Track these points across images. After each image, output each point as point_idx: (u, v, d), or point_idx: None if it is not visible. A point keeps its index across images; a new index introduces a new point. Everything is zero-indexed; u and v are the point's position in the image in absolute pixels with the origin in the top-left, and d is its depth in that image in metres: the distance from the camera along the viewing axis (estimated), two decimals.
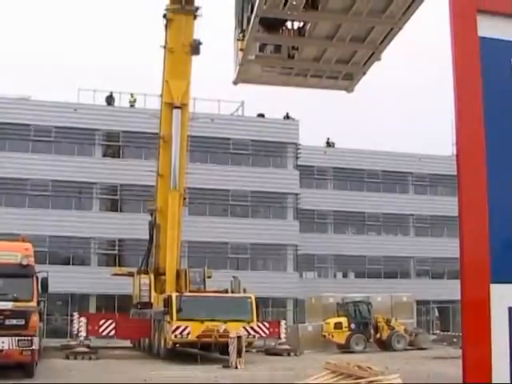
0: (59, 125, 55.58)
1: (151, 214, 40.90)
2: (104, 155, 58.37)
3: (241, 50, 11.96)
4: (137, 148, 57.24)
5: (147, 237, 40.67)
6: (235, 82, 13.00)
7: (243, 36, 11.72)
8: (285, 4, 10.31)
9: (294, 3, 10.20)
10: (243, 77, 12.73)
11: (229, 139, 59.40)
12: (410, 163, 66.44)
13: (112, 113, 57.50)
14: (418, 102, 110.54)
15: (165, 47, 37.76)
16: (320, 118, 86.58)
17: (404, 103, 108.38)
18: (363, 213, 65.18)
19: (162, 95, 39.33)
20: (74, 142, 56.61)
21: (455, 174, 4.06)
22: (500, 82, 4.08)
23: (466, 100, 3.91)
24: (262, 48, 12.08)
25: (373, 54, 11.77)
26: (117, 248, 56.71)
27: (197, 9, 36.82)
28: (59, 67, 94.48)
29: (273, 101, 67.40)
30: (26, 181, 54.65)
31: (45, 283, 25.43)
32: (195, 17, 37.02)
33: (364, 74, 12.34)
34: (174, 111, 37.73)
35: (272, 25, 11.26)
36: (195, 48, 37.06)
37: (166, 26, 37.31)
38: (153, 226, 39.91)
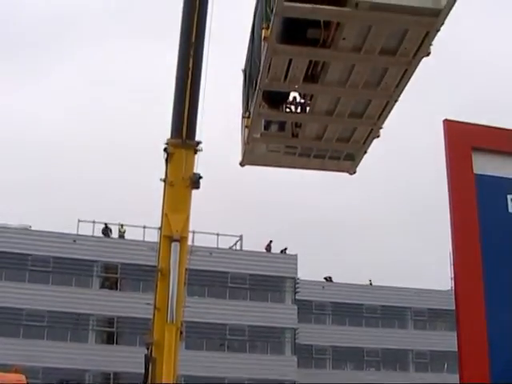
0: (58, 255, 55.59)
1: (147, 348, 40.29)
2: (102, 287, 58.13)
3: (246, 127, 12.46)
4: (134, 280, 57.02)
5: (143, 370, 39.95)
6: (242, 164, 13.46)
7: (249, 114, 12.19)
8: (286, 77, 10.72)
9: (295, 76, 10.64)
10: (249, 158, 13.22)
11: (227, 273, 59.25)
12: (409, 298, 66.10)
13: (111, 244, 57.67)
14: (415, 233, 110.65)
15: (165, 181, 38.15)
16: (317, 252, 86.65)
17: (401, 236, 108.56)
18: (362, 348, 64.37)
19: (161, 228, 39.48)
20: (71, 273, 56.45)
21: (454, 308, 4.06)
22: (497, 217, 4.12)
23: (463, 235, 3.95)
24: (267, 127, 12.62)
25: (371, 130, 12.15)
26: (111, 382, 55.69)
27: (197, 143, 37.29)
28: (60, 195, 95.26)
29: (272, 235, 67.87)
30: (22, 311, 54.14)
31: None
32: (196, 151, 37.56)
33: (365, 153, 12.84)
34: (173, 244, 37.63)
35: (275, 101, 11.92)
36: (195, 182, 37.40)
37: (167, 159, 37.80)
38: (149, 359, 39.23)
